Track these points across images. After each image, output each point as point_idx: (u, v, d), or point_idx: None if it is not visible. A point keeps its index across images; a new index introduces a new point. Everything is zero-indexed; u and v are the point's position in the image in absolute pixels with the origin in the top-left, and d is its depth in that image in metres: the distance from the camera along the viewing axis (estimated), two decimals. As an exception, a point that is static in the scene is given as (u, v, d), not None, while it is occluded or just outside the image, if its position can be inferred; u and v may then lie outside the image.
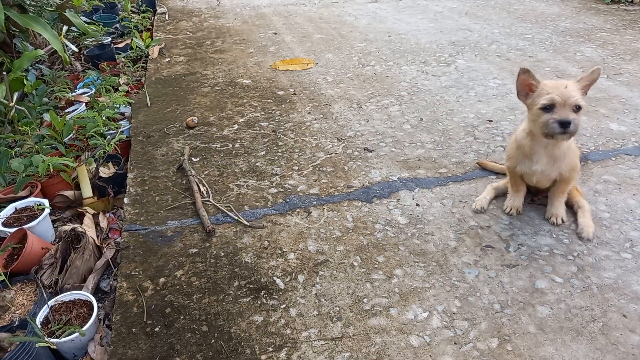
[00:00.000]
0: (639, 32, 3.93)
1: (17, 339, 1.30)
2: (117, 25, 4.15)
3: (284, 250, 1.71)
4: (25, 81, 2.33)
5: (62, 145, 2.16)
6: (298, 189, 2.04)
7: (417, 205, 1.93)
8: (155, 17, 4.72)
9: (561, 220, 1.80)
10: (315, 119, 2.63)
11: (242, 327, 1.42)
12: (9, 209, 1.85)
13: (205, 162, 2.25)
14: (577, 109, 1.55)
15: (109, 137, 2.29)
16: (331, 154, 2.30)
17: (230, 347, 1.36)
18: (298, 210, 1.92)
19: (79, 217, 1.99)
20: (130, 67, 3.36)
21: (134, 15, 4.50)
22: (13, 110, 2.26)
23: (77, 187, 2.06)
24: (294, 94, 2.96)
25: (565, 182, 1.76)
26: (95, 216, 1.97)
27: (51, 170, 1.92)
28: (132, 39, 3.60)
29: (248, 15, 4.80)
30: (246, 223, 1.84)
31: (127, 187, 2.07)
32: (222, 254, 1.70)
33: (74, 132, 2.35)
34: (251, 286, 1.56)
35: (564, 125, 1.53)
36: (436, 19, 4.46)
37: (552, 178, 1.76)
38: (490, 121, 2.58)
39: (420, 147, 2.34)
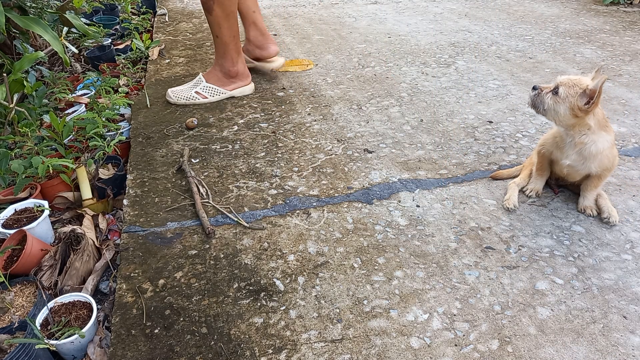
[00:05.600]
0: (639, 34, 3.93)
1: (17, 341, 1.29)
2: (117, 26, 4.15)
3: (284, 251, 1.71)
4: (25, 83, 2.33)
5: (61, 147, 2.16)
6: (298, 190, 2.04)
7: (418, 206, 1.93)
8: (155, 19, 4.72)
9: (596, 212, 1.85)
10: (315, 120, 2.63)
11: (241, 329, 1.41)
12: (9, 211, 1.84)
13: (205, 164, 2.25)
14: None
15: (108, 138, 2.29)
16: (331, 155, 2.30)
17: (230, 349, 1.35)
18: (298, 211, 1.91)
19: (79, 219, 1.99)
20: (130, 69, 3.35)
21: (134, 16, 4.50)
22: (13, 112, 2.25)
23: (77, 188, 2.06)
24: (294, 95, 2.96)
25: (598, 179, 1.83)
26: (94, 217, 1.97)
27: (51, 171, 1.92)
28: (132, 41, 3.60)
29: (248, 16, 4.80)
30: (246, 224, 1.84)
31: (127, 188, 2.07)
32: (222, 256, 1.69)
33: (73, 133, 2.35)
34: (251, 288, 1.56)
35: None
36: (436, 20, 4.46)
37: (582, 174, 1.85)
38: (491, 122, 2.58)
39: (421, 148, 2.33)
